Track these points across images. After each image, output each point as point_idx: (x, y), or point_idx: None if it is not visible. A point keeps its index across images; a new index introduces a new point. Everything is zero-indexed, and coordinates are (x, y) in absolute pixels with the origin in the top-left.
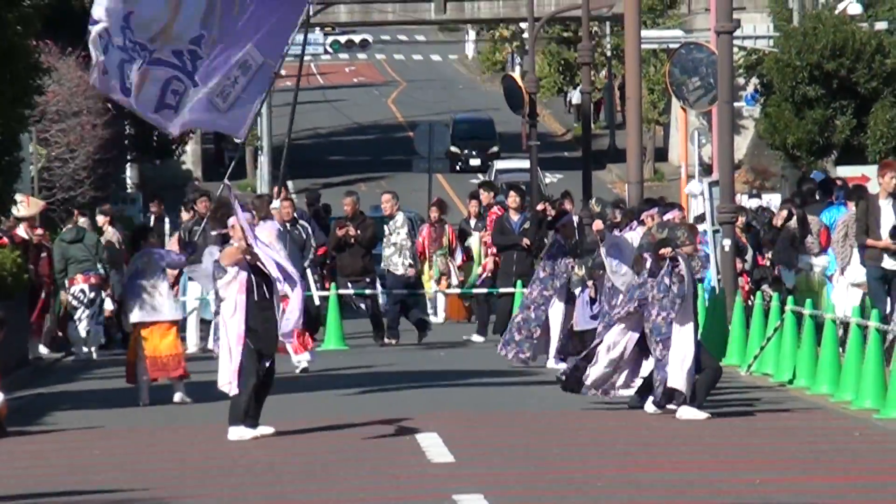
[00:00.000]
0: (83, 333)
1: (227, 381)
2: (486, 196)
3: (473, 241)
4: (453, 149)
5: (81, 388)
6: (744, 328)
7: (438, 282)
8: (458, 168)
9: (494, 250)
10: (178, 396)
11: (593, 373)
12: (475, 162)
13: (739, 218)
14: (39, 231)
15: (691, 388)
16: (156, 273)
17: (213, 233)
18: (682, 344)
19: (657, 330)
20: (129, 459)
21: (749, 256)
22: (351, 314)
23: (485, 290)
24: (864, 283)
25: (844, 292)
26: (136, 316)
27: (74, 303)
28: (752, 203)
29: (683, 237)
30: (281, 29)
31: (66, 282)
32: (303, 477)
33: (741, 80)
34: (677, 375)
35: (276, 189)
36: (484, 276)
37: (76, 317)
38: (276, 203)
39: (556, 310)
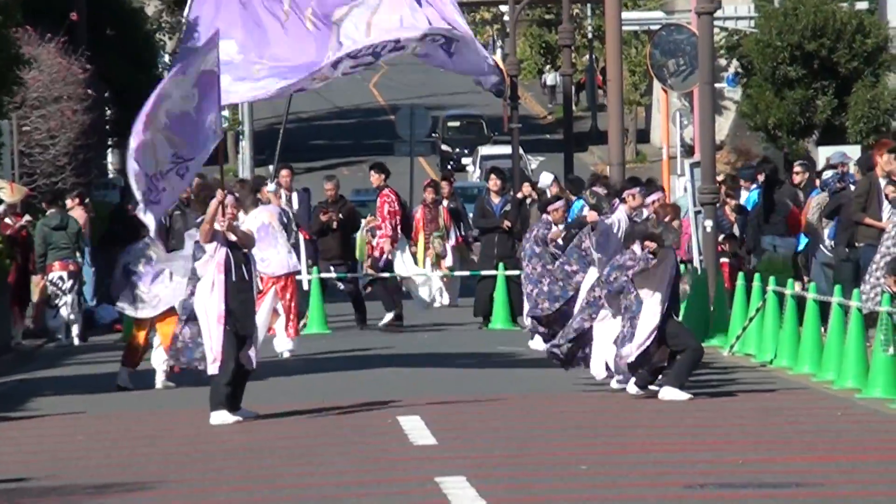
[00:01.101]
0: (65, 320)
1: (212, 359)
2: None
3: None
4: (444, 147)
5: (63, 374)
6: (725, 308)
7: (436, 264)
8: (449, 167)
9: (383, 233)
10: (160, 382)
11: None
12: (467, 161)
13: (731, 200)
14: (28, 217)
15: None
16: (164, 258)
17: (197, 217)
18: (648, 322)
19: (629, 308)
20: (112, 445)
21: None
22: (334, 298)
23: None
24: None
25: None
26: (159, 306)
27: (54, 290)
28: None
29: (673, 240)
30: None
31: (45, 267)
32: (285, 460)
33: (722, 62)
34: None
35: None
36: (383, 258)
37: (58, 304)
38: (271, 186)
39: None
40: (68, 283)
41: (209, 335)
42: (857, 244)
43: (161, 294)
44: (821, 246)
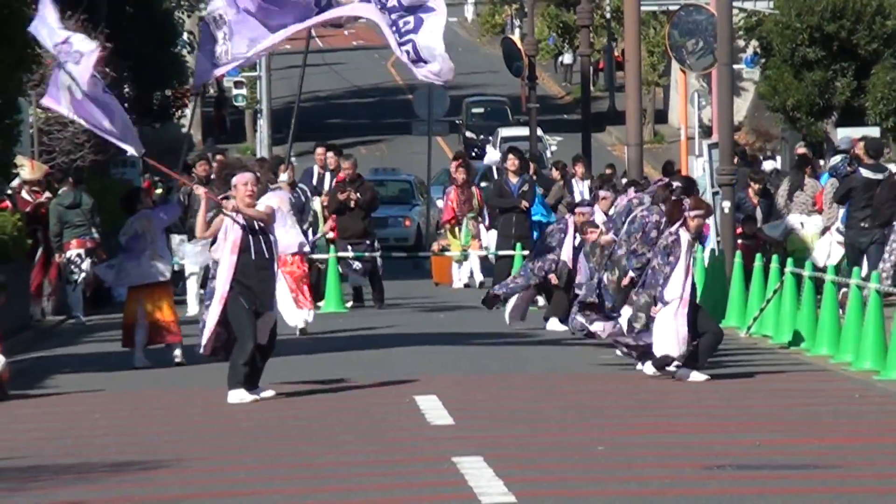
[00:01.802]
0: (80, 298)
1: (205, 340)
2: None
3: (316, 204)
4: (468, 134)
5: (82, 352)
6: (743, 290)
7: (468, 245)
8: (473, 155)
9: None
10: (178, 355)
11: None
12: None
13: (754, 183)
14: (48, 195)
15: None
16: (155, 234)
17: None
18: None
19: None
20: (130, 423)
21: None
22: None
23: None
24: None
25: (826, 248)
26: (134, 279)
27: (72, 267)
28: (768, 165)
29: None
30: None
31: (62, 246)
32: (303, 440)
33: (741, 43)
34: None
35: (283, 166)
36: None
37: (76, 280)
38: (283, 177)
39: None
40: (87, 261)
41: (211, 313)
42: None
43: (157, 266)
44: (833, 229)
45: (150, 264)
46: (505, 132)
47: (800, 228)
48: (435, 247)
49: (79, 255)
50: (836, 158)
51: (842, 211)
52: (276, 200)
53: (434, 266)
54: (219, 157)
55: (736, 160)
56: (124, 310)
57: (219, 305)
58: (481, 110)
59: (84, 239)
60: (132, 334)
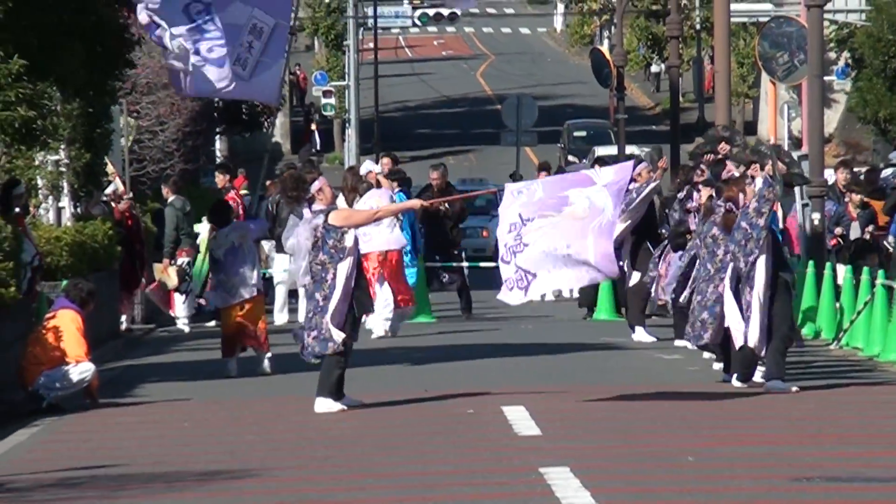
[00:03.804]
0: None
1: (334, 341)
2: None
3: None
4: (571, 158)
5: (171, 360)
6: (833, 301)
7: None
8: None
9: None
10: (266, 365)
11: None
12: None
13: (854, 195)
14: (128, 198)
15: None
16: (251, 246)
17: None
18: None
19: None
20: (218, 431)
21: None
22: (438, 286)
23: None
24: None
25: None
26: (237, 296)
27: (182, 275)
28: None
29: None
30: None
31: (175, 253)
32: (389, 449)
33: (832, 55)
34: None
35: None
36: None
37: (191, 288)
38: (376, 167)
39: None
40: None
41: (334, 317)
42: None
43: (237, 286)
44: (884, 241)
45: (250, 276)
46: (601, 151)
47: None
48: None
49: (189, 264)
50: (887, 171)
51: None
52: (375, 200)
53: None
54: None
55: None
56: (222, 321)
57: (344, 303)
58: (584, 133)
59: (191, 248)
60: (232, 345)
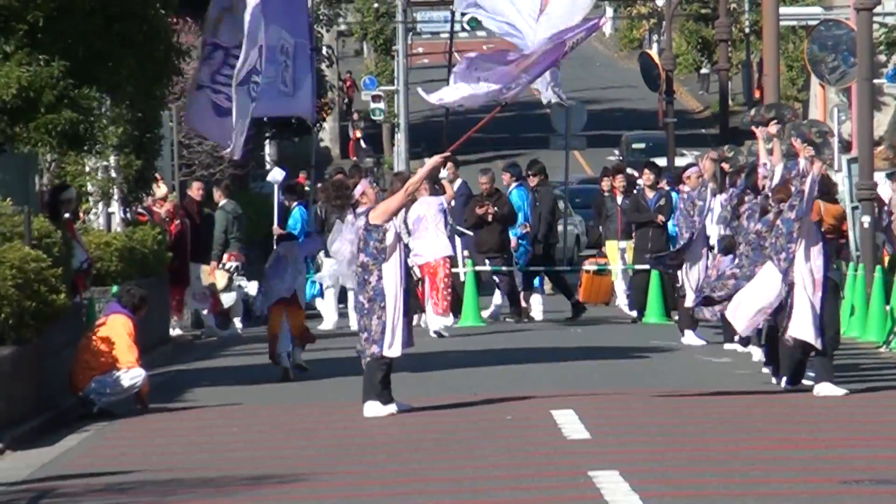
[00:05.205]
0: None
1: (391, 343)
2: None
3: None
4: (629, 171)
5: (220, 365)
6: (883, 303)
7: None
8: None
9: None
10: (300, 358)
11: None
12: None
13: None
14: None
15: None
16: (295, 259)
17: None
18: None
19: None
20: (267, 436)
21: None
22: (488, 290)
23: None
24: None
25: None
26: (277, 294)
27: (230, 278)
28: None
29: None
30: (294, 7)
31: (222, 256)
32: (438, 453)
33: (882, 58)
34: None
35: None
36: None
37: (245, 293)
38: (444, 173)
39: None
40: (241, 280)
41: (392, 319)
42: None
43: (275, 287)
44: None
45: (292, 278)
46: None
47: None
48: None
49: (237, 268)
50: None
51: None
52: (423, 208)
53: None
54: (338, 175)
55: None
56: (268, 325)
57: (400, 306)
58: (642, 145)
59: (240, 253)
60: (272, 348)
